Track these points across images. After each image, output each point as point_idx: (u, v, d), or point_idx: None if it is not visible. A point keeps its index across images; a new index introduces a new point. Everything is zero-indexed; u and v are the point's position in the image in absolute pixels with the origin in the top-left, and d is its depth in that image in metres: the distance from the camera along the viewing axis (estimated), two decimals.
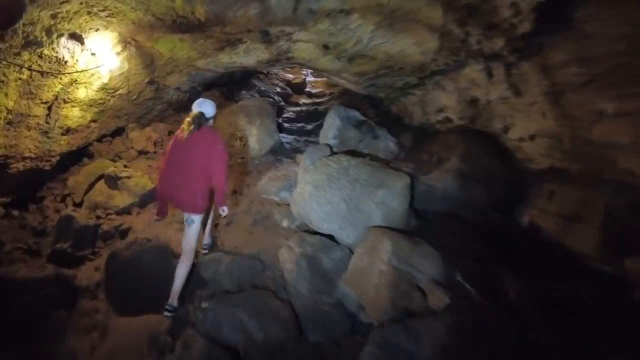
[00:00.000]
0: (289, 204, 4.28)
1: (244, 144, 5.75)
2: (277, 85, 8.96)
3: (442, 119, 5.09)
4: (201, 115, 2.74)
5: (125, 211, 3.95)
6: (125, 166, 4.67)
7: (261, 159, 5.66)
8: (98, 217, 3.78)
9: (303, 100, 8.84)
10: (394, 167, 3.88)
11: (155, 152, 5.32)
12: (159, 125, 5.75)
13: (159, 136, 5.53)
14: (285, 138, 6.58)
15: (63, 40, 3.37)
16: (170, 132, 5.81)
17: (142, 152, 5.19)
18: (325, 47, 4.57)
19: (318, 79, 10.80)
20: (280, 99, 8.31)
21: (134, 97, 5.26)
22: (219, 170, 2.73)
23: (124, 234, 3.63)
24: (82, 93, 4.13)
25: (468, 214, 3.60)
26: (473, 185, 3.71)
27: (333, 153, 4.45)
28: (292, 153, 6.18)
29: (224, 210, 2.94)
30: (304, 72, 10.81)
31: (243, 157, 5.69)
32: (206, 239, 3.44)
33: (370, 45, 4.30)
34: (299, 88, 9.42)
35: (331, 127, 4.80)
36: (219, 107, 7.12)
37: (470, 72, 4.07)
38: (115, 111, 5.16)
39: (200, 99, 2.89)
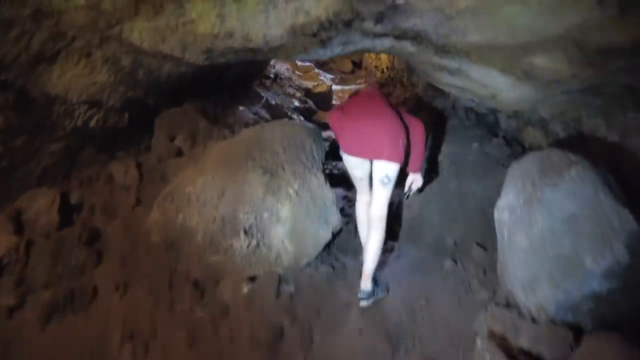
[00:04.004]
0: None
1: (254, 245, 2.15)
2: (292, 95, 5.48)
3: None
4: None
5: None
6: None
7: (300, 278, 2.16)
8: None
9: None
10: None
11: None
12: (39, 200, 2.10)
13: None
14: None
15: None
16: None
17: None
18: None
19: (346, 87, 7.36)
20: (300, 117, 4.85)
21: None
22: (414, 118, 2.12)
23: None
24: None
25: None
26: None
27: None
28: (354, 244, 2.59)
29: (417, 181, 2.13)
30: (321, 77, 7.63)
31: (252, 278, 2.10)
32: (365, 282, 2.05)
33: None
34: (324, 101, 5.93)
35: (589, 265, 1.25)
36: (192, 136, 3.28)
37: None
38: None
39: None
